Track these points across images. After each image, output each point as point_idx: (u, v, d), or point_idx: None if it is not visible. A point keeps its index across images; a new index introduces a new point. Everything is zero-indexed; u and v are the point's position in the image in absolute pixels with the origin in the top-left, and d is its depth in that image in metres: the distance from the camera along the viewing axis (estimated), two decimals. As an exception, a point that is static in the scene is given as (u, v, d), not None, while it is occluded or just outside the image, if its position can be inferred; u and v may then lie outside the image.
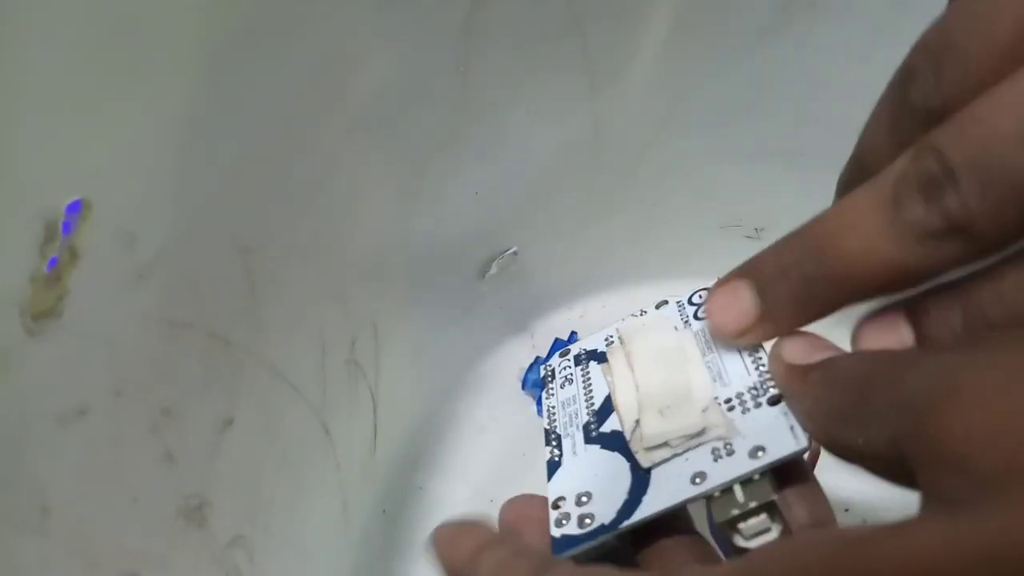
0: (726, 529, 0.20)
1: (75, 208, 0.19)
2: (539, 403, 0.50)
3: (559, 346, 0.45)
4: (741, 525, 0.20)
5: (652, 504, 0.21)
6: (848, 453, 0.18)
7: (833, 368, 0.19)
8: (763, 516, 0.20)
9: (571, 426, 0.25)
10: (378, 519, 0.42)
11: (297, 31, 0.23)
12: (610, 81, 0.34)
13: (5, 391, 0.18)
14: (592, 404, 0.25)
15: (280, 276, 0.28)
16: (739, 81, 0.37)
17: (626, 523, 0.21)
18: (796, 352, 0.21)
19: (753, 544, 0.20)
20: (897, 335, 0.20)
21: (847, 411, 0.18)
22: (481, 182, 0.35)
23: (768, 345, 0.22)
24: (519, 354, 0.46)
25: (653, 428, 0.22)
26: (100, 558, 0.22)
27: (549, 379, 0.27)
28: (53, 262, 0.19)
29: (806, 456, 0.20)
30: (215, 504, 0.28)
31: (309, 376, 0.32)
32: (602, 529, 0.21)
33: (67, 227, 0.19)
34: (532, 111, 0.33)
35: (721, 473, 0.20)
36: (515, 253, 0.41)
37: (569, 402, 0.26)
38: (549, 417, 0.26)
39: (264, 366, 0.29)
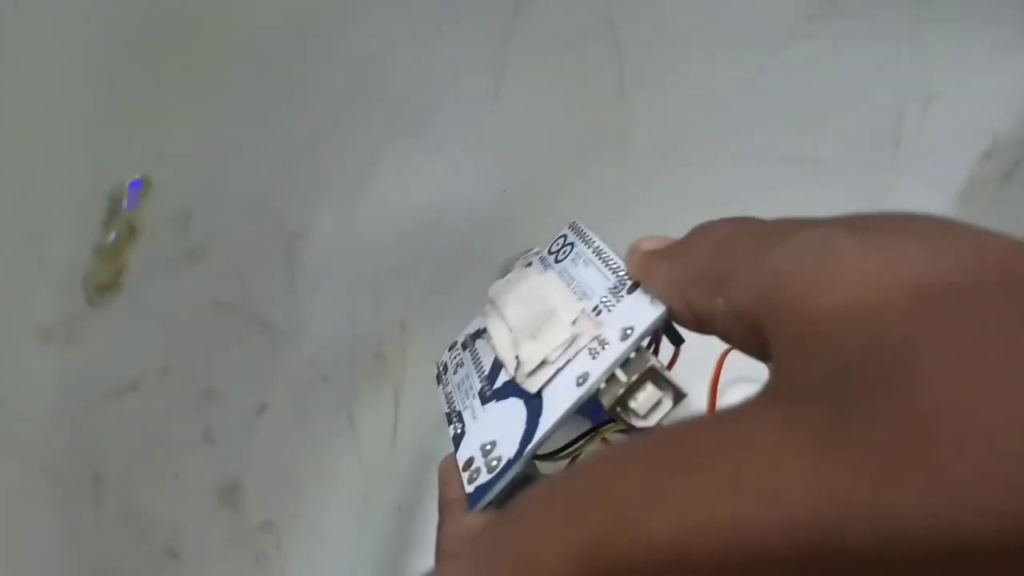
0: (619, 414, 0.21)
1: (136, 185, 0.20)
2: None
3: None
4: (632, 404, 0.21)
5: (548, 420, 0.22)
6: (706, 318, 0.18)
7: (696, 233, 0.20)
8: (650, 388, 0.21)
9: (468, 398, 0.26)
10: (394, 515, 0.42)
11: (350, 26, 0.24)
12: (639, 83, 0.35)
13: (69, 360, 0.19)
14: (483, 372, 0.26)
15: (319, 266, 0.28)
16: (762, 87, 0.37)
17: (528, 447, 0.22)
18: (651, 243, 0.22)
19: (652, 421, 0.21)
20: None
21: (705, 274, 0.18)
22: (509, 180, 0.36)
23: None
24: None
25: (528, 352, 0.23)
26: (145, 529, 0.23)
27: (442, 373, 0.29)
28: (115, 237, 0.19)
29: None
30: (248, 488, 0.28)
31: (339, 367, 0.32)
32: (508, 464, 0.22)
33: (130, 203, 0.19)
34: (562, 111, 0.34)
35: (600, 364, 0.21)
36: (537, 252, 0.41)
37: (462, 381, 0.27)
38: (448, 403, 0.27)
39: (299, 354, 0.29)
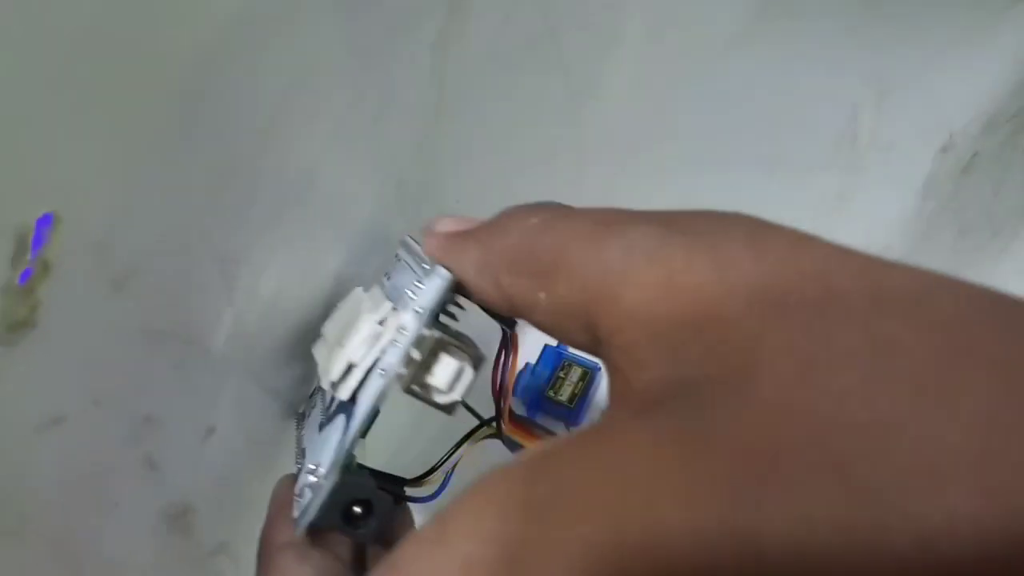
0: (422, 395, 0.21)
1: (45, 221, 0.19)
2: (528, 407, 0.50)
3: (548, 352, 0.45)
4: (430, 380, 0.20)
5: (355, 423, 0.21)
6: (522, 308, 0.18)
7: (504, 217, 0.19)
8: (446, 359, 0.20)
9: (311, 433, 0.26)
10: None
11: (272, 45, 0.24)
12: (588, 90, 0.35)
13: (-19, 400, 0.19)
14: (324, 404, 0.26)
15: (260, 285, 0.28)
16: (717, 88, 0.37)
17: (339, 456, 0.21)
18: (450, 223, 0.21)
19: (458, 393, 0.21)
20: None
21: (527, 261, 0.18)
22: (460, 190, 0.35)
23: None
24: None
25: (334, 359, 0.23)
26: (82, 565, 0.23)
27: (299, 421, 0.29)
28: (25, 275, 0.19)
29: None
30: (200, 511, 0.28)
31: (287, 385, 0.32)
32: (321, 483, 0.21)
33: (38, 240, 0.19)
34: (511, 120, 0.34)
35: (396, 350, 0.21)
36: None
37: (311, 420, 0.27)
38: (297, 445, 0.27)
39: (244, 374, 0.29)
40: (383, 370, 0.21)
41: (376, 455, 0.29)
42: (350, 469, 0.22)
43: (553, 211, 0.18)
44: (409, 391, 0.21)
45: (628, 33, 0.33)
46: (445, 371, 0.20)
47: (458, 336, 0.21)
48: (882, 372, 0.12)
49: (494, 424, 0.25)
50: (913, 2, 0.34)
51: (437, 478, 0.25)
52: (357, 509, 0.22)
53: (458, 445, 0.25)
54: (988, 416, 0.11)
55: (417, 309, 0.21)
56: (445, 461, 0.25)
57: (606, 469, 0.13)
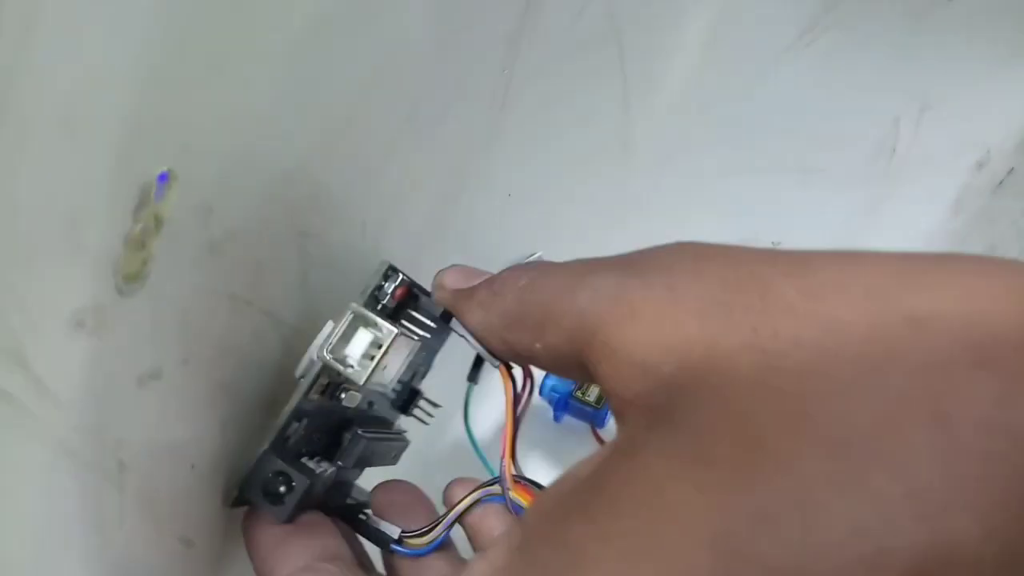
0: (338, 370, 0.23)
1: (163, 178, 0.20)
2: (555, 408, 0.51)
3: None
4: (346, 351, 0.23)
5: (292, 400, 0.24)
6: (525, 357, 0.21)
7: (497, 283, 0.22)
8: (361, 332, 0.23)
9: None
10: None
11: (366, 28, 0.25)
12: (642, 91, 0.36)
13: (98, 346, 0.19)
14: None
15: (329, 264, 0.29)
16: (762, 97, 0.38)
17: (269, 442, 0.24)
18: (457, 279, 0.24)
19: (371, 365, 0.23)
20: None
21: (520, 320, 0.21)
22: (514, 184, 0.36)
23: None
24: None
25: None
26: (165, 519, 0.23)
27: None
28: (142, 228, 0.20)
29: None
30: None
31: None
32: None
33: (157, 195, 0.20)
34: (567, 117, 0.35)
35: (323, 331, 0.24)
36: (540, 258, 0.42)
37: None
38: None
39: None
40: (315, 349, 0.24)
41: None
42: (283, 446, 0.24)
43: (538, 270, 0.21)
44: (329, 365, 0.23)
45: (688, 38, 0.34)
46: (360, 343, 0.23)
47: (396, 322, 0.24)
48: (828, 351, 0.14)
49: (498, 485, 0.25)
50: (958, 21, 0.35)
51: (437, 533, 0.26)
52: (281, 488, 0.24)
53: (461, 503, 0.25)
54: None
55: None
56: (446, 516, 0.25)
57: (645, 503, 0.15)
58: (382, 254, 0.32)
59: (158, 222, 0.20)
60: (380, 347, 0.23)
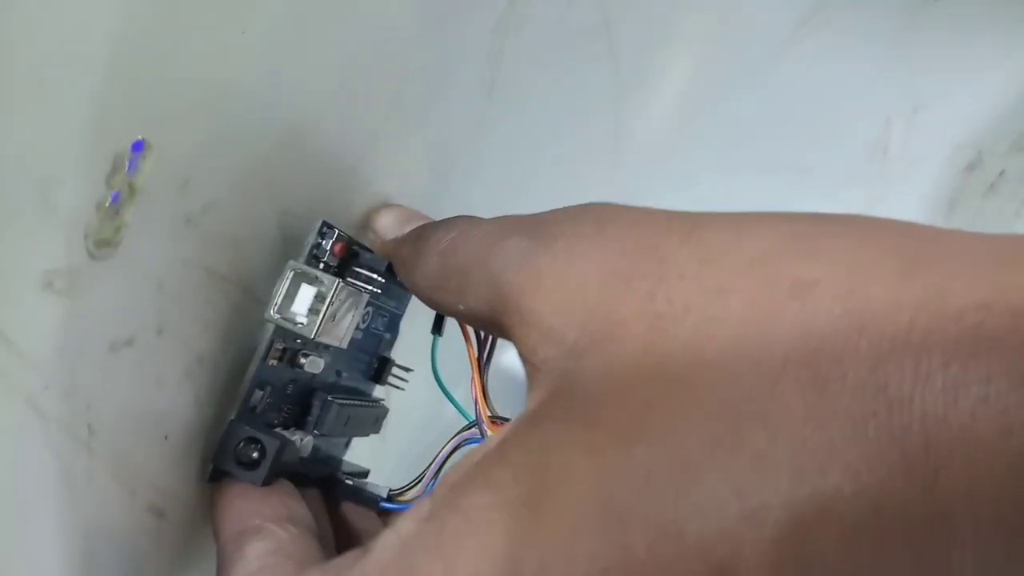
0: (288, 327, 0.24)
1: (138, 147, 0.20)
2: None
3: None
4: (294, 309, 0.24)
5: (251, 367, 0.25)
6: (454, 316, 0.23)
7: (420, 242, 0.23)
8: (304, 287, 0.24)
9: None
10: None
11: (348, 6, 0.25)
12: (634, 86, 0.36)
13: (69, 309, 0.20)
14: None
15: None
16: (754, 96, 0.38)
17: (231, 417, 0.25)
18: (387, 226, 0.26)
19: (319, 316, 0.24)
20: None
21: (443, 283, 0.22)
22: (505, 175, 0.37)
23: None
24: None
25: None
26: (135, 487, 0.24)
27: None
28: (116, 196, 0.20)
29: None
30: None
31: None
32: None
33: (131, 165, 0.20)
34: (557, 109, 0.35)
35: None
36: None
37: None
38: None
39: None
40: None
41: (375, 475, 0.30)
42: (251, 415, 0.25)
43: (458, 229, 0.22)
44: (277, 323, 0.24)
45: (681, 32, 0.34)
46: (304, 297, 0.24)
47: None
48: (714, 318, 0.15)
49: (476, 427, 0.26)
50: (949, 21, 0.35)
51: (424, 484, 0.26)
52: (254, 455, 0.24)
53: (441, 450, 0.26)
54: None
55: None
56: (428, 468, 0.26)
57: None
58: (366, 239, 0.33)
59: (132, 191, 0.21)
60: (325, 300, 0.23)
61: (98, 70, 0.19)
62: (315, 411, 0.27)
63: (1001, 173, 0.38)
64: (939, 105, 0.37)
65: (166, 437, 0.25)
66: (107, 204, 0.20)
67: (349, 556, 0.19)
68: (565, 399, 0.16)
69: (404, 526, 0.17)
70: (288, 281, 0.24)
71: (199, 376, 0.26)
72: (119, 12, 0.19)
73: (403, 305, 0.32)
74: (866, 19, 0.36)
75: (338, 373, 0.29)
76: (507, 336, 0.19)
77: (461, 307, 0.21)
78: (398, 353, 0.33)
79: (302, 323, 0.24)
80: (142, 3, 0.19)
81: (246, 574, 0.21)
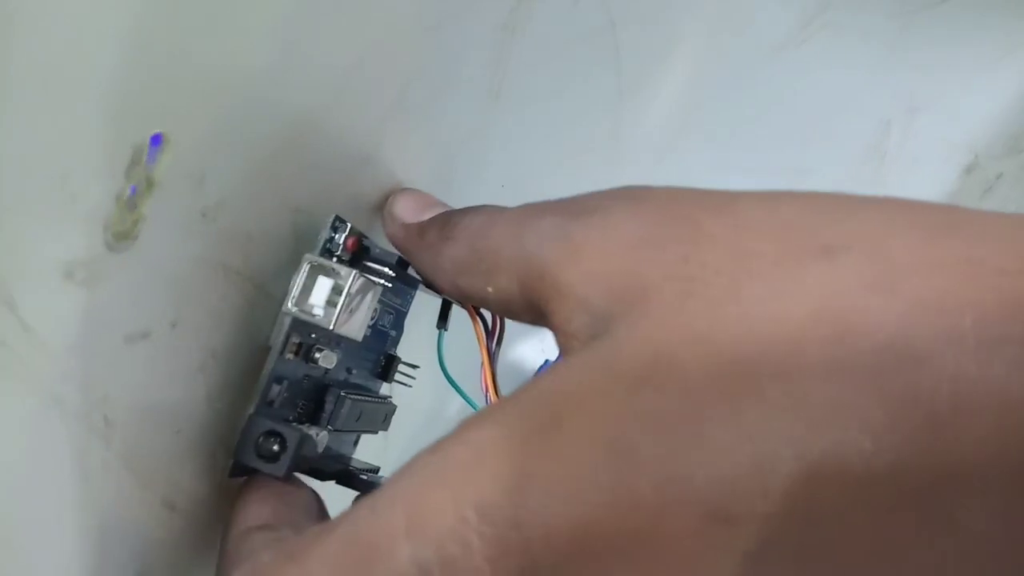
0: (307, 320, 0.24)
1: (156, 140, 0.21)
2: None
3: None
4: (312, 301, 0.24)
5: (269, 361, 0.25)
6: (478, 301, 0.23)
7: (448, 227, 0.24)
8: (321, 280, 0.24)
9: None
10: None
11: (357, 7, 0.25)
12: (636, 87, 0.36)
13: (88, 300, 0.20)
14: None
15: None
16: (754, 95, 0.39)
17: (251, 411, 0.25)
18: (408, 210, 0.25)
19: (338, 307, 0.24)
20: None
21: (472, 266, 0.22)
22: (506, 176, 0.37)
23: None
24: (529, 355, 0.48)
25: None
26: (149, 479, 0.24)
27: None
28: (134, 189, 0.21)
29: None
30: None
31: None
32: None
33: (150, 157, 0.21)
34: (560, 110, 0.35)
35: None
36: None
37: None
38: None
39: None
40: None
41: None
42: (269, 409, 0.25)
43: (487, 214, 0.23)
44: (296, 316, 0.24)
45: (683, 33, 0.35)
46: (322, 290, 0.24)
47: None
48: (741, 278, 0.15)
49: None
50: (947, 23, 0.36)
51: None
52: (275, 447, 0.24)
53: None
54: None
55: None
56: None
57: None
58: (373, 235, 0.33)
59: (150, 184, 0.21)
60: (342, 292, 0.24)
61: (117, 63, 0.19)
62: (329, 406, 0.27)
63: (999, 176, 0.38)
64: (936, 107, 0.38)
65: (179, 431, 0.25)
66: (126, 196, 0.20)
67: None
68: (587, 353, 0.16)
69: (411, 461, 0.17)
70: (305, 274, 0.24)
71: (212, 370, 0.26)
72: (137, 5, 0.19)
73: (408, 303, 0.32)
74: (864, 22, 0.36)
75: (348, 370, 0.29)
76: (539, 314, 0.20)
77: (490, 289, 0.21)
78: (402, 351, 0.33)
79: (320, 315, 0.24)
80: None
81: (249, 549, 0.22)
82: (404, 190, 0.25)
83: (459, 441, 0.16)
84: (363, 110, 0.29)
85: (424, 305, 0.30)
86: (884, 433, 0.13)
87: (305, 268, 0.24)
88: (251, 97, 0.23)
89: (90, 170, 0.19)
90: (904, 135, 0.39)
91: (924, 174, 0.40)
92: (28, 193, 0.18)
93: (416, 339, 0.33)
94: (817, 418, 0.13)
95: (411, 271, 0.27)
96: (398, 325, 0.32)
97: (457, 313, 0.27)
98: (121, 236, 0.20)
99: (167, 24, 0.20)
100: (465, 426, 0.17)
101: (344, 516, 0.18)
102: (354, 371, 0.29)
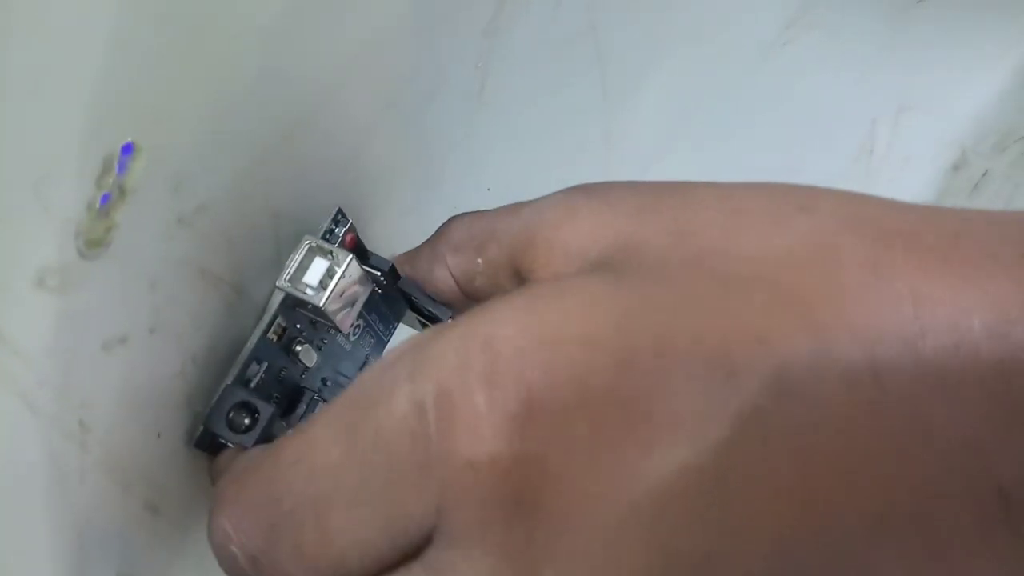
0: (300, 296, 0.24)
1: (127, 149, 0.21)
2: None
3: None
4: (306, 279, 0.25)
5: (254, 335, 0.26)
6: (466, 280, 0.24)
7: (450, 222, 0.25)
8: (317, 260, 0.25)
9: None
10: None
11: (346, 13, 0.25)
12: (621, 90, 0.36)
13: (62, 307, 0.20)
14: None
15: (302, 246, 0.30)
16: (741, 97, 0.39)
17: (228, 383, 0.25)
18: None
19: (330, 287, 0.24)
20: None
21: (467, 241, 0.23)
22: (493, 178, 0.37)
23: None
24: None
25: None
26: (129, 482, 0.24)
27: None
28: (105, 197, 0.21)
29: None
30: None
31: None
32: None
33: (120, 166, 0.21)
34: (546, 113, 0.35)
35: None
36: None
37: None
38: None
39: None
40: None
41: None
42: (245, 385, 0.26)
43: (488, 211, 0.24)
44: (287, 291, 0.25)
45: (668, 35, 0.35)
46: (317, 269, 0.25)
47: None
48: (729, 227, 0.18)
49: None
50: (934, 21, 0.36)
51: None
52: (246, 421, 0.25)
53: None
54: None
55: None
56: None
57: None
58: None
59: (123, 192, 0.21)
60: (335, 275, 0.24)
61: (91, 72, 0.19)
62: (301, 408, 0.27)
63: (985, 173, 0.38)
64: (924, 106, 0.38)
65: (159, 435, 0.25)
66: (97, 205, 0.20)
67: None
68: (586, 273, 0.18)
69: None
70: (303, 253, 0.25)
71: (192, 375, 0.26)
72: (112, 13, 0.19)
73: (390, 333, 0.32)
74: (851, 21, 0.36)
75: (323, 381, 0.29)
76: (523, 276, 0.21)
77: (479, 260, 0.22)
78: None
79: (311, 294, 0.24)
80: (136, 5, 0.19)
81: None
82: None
83: (478, 307, 0.18)
84: (348, 116, 0.29)
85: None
86: (867, 333, 0.15)
87: (304, 247, 0.25)
88: (232, 104, 0.24)
89: (61, 179, 0.19)
90: (892, 134, 0.39)
91: (912, 172, 0.40)
92: (1, 201, 0.18)
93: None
94: (810, 320, 0.15)
95: (401, 284, 0.27)
96: (377, 352, 0.32)
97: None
98: (93, 244, 0.21)
99: (144, 31, 0.20)
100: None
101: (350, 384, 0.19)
102: (329, 384, 0.30)
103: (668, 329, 0.16)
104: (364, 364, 0.31)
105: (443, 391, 0.16)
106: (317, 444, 0.18)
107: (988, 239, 0.16)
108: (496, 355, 0.15)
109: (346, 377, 0.30)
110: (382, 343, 0.32)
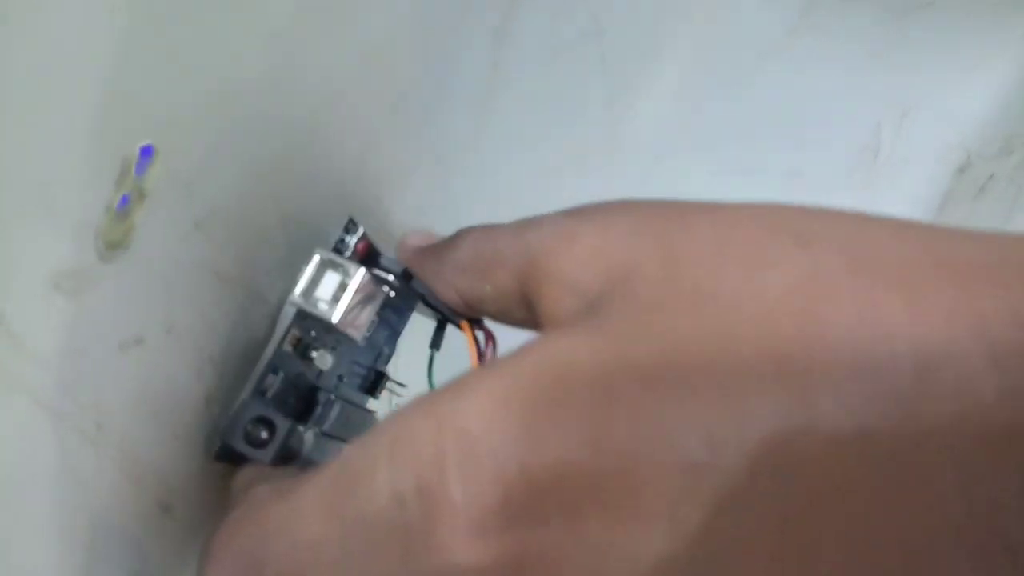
0: (313, 311, 0.25)
1: (147, 152, 0.21)
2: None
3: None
4: (318, 293, 0.25)
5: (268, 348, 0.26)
6: (476, 301, 0.24)
7: (456, 237, 0.25)
8: (329, 274, 0.25)
9: None
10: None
11: (351, 12, 0.26)
12: (626, 92, 0.36)
13: (78, 308, 0.20)
14: None
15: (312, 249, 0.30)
16: (745, 99, 0.39)
17: (251, 378, 0.26)
18: (419, 239, 0.27)
19: (345, 302, 0.25)
20: None
21: (474, 263, 0.23)
22: (500, 183, 0.37)
23: None
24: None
25: None
26: (143, 483, 0.24)
27: None
28: (124, 199, 0.21)
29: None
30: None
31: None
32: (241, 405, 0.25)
33: (139, 168, 0.21)
34: (552, 116, 0.36)
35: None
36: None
37: None
38: None
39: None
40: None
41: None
42: (263, 397, 0.26)
43: (490, 225, 0.24)
44: (301, 306, 0.25)
45: (672, 37, 0.35)
46: (329, 284, 0.25)
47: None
48: (719, 254, 0.17)
49: None
50: (937, 24, 0.36)
51: None
52: (263, 435, 0.25)
53: None
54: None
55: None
56: None
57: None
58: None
59: (141, 194, 0.22)
60: (347, 288, 0.24)
61: (108, 74, 0.19)
62: (319, 408, 0.27)
63: (991, 176, 0.39)
64: (928, 108, 0.38)
65: (176, 435, 0.25)
66: (116, 207, 0.21)
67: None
68: (578, 327, 0.18)
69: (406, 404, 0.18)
70: (314, 267, 0.25)
71: (208, 375, 0.26)
72: (127, 15, 0.19)
73: (403, 323, 0.32)
74: (854, 23, 0.36)
75: (339, 378, 0.30)
76: (530, 307, 0.21)
77: (488, 287, 0.22)
78: (392, 370, 0.34)
79: (324, 308, 0.24)
80: (149, 9, 0.20)
81: (251, 493, 0.22)
82: (416, 231, 0.27)
83: (452, 385, 0.17)
84: (358, 120, 0.29)
85: (417, 330, 0.31)
86: (852, 399, 0.14)
87: (315, 261, 0.25)
88: (245, 108, 0.24)
89: (79, 181, 0.19)
90: (896, 136, 0.39)
91: (917, 175, 0.40)
92: (15, 204, 0.18)
93: (406, 360, 0.33)
94: (787, 378, 0.14)
95: (414, 284, 0.27)
96: (391, 343, 0.32)
97: (449, 339, 0.27)
98: (113, 245, 0.21)
99: (159, 35, 0.20)
100: (460, 377, 0.18)
101: (337, 455, 0.19)
102: (344, 380, 0.30)
103: (645, 409, 0.15)
104: (379, 355, 0.32)
105: (422, 485, 0.16)
106: (302, 516, 0.19)
107: (1009, 281, 0.15)
108: (471, 448, 0.16)
109: (362, 367, 0.31)
110: (396, 334, 0.32)
